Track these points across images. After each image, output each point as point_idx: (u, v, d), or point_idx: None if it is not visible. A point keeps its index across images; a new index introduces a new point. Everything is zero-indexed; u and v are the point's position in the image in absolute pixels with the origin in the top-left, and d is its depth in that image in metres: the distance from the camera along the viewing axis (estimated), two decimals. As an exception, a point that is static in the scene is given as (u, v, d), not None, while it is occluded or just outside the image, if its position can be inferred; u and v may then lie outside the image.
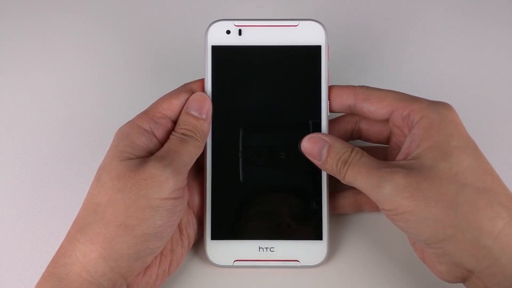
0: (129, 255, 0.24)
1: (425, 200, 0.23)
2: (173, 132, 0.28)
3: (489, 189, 0.24)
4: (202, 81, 0.29)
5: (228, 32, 0.27)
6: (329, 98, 0.29)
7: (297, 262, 0.28)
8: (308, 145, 0.28)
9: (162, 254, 0.28)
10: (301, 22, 0.28)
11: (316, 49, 0.28)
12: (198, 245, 0.31)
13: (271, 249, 0.28)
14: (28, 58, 0.41)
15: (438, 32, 0.40)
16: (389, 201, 0.24)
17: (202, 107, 0.28)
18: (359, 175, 0.26)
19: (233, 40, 0.27)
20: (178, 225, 0.29)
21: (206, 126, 0.28)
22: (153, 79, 0.39)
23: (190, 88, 0.29)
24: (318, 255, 0.29)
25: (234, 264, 0.28)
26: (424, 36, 0.40)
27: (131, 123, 0.28)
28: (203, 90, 0.29)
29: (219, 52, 0.27)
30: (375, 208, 0.29)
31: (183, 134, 0.27)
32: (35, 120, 0.38)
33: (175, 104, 0.28)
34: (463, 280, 0.25)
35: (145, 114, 0.28)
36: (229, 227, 0.29)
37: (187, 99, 0.28)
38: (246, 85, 0.29)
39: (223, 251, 0.28)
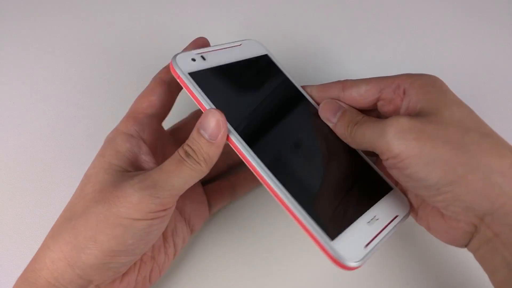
0: (97, 266, 0.23)
1: (431, 141, 0.23)
2: (181, 147, 0.25)
3: (491, 134, 0.24)
4: (167, 68, 0.29)
5: (193, 60, 0.28)
6: (317, 93, 0.31)
7: (398, 217, 0.27)
8: (325, 107, 0.29)
9: (142, 261, 0.27)
10: (242, 42, 0.32)
11: (266, 57, 0.32)
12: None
13: (376, 219, 0.27)
14: (28, 58, 0.41)
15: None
16: (395, 144, 0.24)
17: (212, 129, 0.24)
18: (367, 130, 0.26)
19: (202, 65, 0.28)
20: (163, 232, 0.28)
21: (214, 150, 0.25)
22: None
23: (160, 79, 0.28)
24: (403, 202, 0.28)
25: (367, 250, 0.25)
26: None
27: (115, 130, 0.27)
28: (168, 75, 0.28)
29: (198, 77, 0.27)
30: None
31: (185, 152, 0.25)
32: (35, 120, 0.38)
33: (154, 101, 0.28)
34: (471, 235, 0.24)
35: (128, 117, 0.27)
36: (333, 222, 0.26)
37: (164, 92, 0.28)
38: (239, 96, 0.29)
39: (349, 244, 0.25)
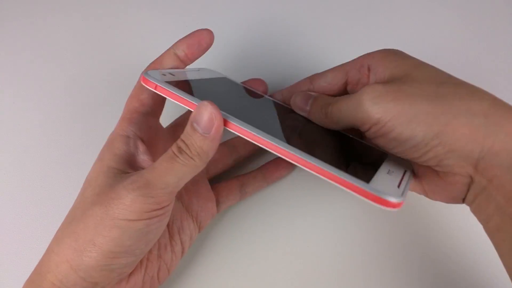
0: (100, 268, 0.24)
1: (408, 98, 0.23)
2: (175, 143, 0.24)
3: (464, 83, 0.24)
4: (153, 65, 0.28)
5: (164, 74, 0.28)
6: (288, 94, 0.32)
7: (407, 171, 0.27)
8: (297, 98, 0.30)
9: (148, 260, 0.27)
10: (199, 68, 0.33)
11: (226, 78, 0.34)
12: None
13: (392, 171, 0.27)
14: (28, 58, 0.41)
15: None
16: (374, 110, 0.24)
17: (205, 122, 0.23)
18: (342, 105, 0.26)
19: (173, 78, 0.28)
20: (169, 230, 0.28)
21: (208, 144, 0.23)
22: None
23: None
24: (403, 161, 0.28)
25: (401, 189, 0.25)
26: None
27: (113, 133, 0.27)
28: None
29: (175, 84, 0.27)
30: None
31: (178, 148, 0.24)
32: (35, 120, 0.38)
33: (145, 99, 0.28)
34: (468, 186, 0.25)
35: (123, 119, 0.27)
36: (359, 174, 0.25)
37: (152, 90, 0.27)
38: (219, 98, 0.29)
39: (384, 185, 0.25)
